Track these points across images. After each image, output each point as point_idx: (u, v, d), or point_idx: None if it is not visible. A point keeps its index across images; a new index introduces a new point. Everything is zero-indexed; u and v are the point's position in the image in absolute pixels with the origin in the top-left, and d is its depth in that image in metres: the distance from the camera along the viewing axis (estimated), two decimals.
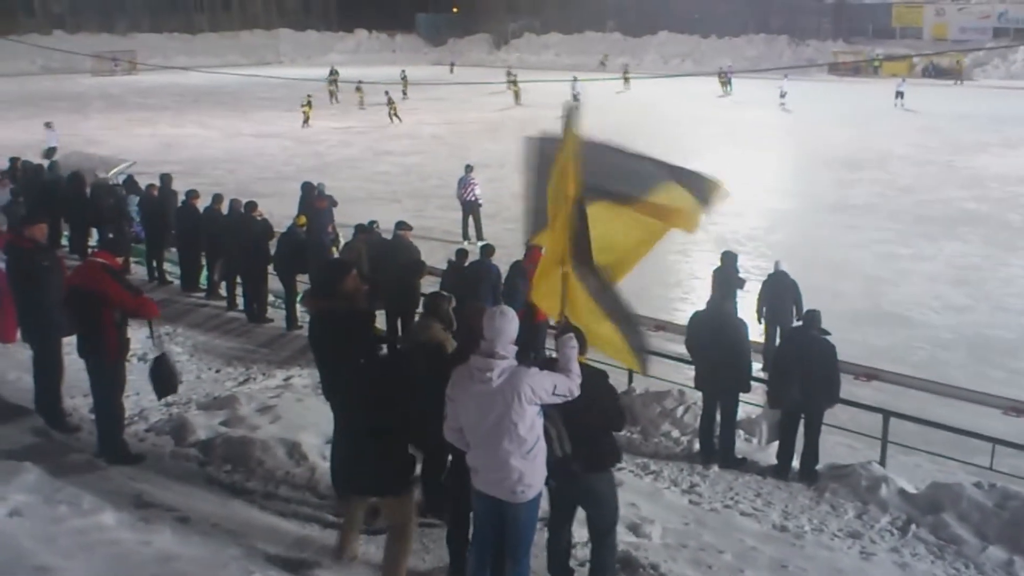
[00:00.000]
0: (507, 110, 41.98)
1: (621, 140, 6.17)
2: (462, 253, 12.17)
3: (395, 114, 38.66)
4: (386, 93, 39.56)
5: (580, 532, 6.20)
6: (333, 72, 47.68)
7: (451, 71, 64.41)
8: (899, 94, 42.58)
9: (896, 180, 26.24)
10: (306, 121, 37.46)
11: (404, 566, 5.89)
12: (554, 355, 5.52)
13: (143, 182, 17.07)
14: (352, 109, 43.06)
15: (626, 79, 49.51)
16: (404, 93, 45.65)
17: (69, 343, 7.92)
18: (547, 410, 5.24)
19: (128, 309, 7.43)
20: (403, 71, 50.30)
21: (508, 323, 5.13)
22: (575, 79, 41.87)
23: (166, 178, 16.45)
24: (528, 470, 5.13)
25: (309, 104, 37.95)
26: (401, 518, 5.89)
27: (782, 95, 43.12)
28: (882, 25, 66.99)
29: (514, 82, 45.66)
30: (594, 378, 5.50)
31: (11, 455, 7.16)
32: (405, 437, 5.86)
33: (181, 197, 15.20)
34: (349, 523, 6.21)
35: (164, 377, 7.79)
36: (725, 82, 49.00)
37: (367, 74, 48.87)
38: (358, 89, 43.21)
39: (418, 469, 7.23)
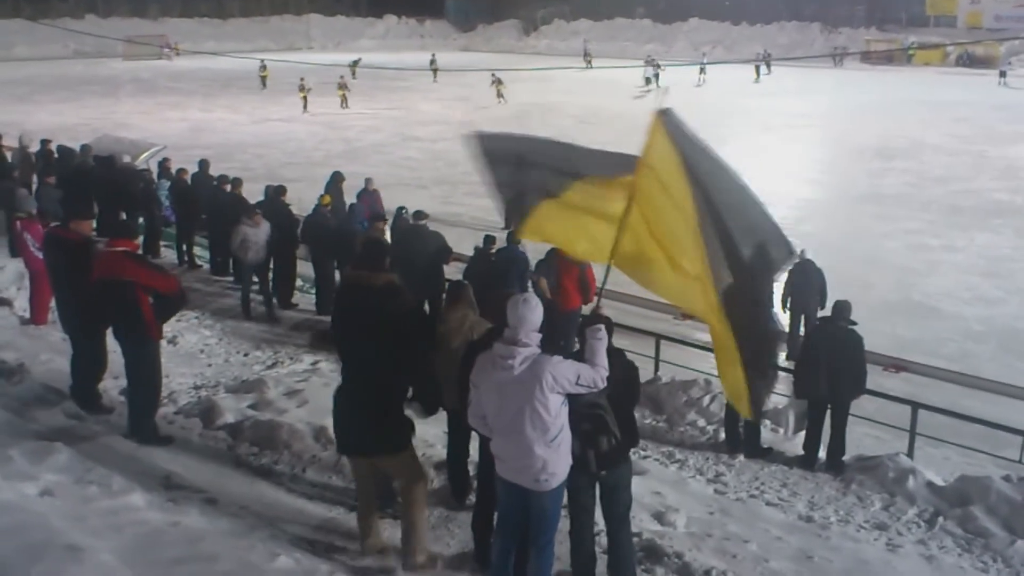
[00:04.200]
0: (536, 98, 41.81)
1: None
2: (489, 239, 12.09)
3: (345, 101, 38.44)
4: (340, 77, 40.12)
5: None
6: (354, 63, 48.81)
7: (589, 63, 54.41)
8: (1003, 73, 46.49)
9: (929, 170, 25.94)
10: (305, 107, 37.82)
11: (422, 525, 5.95)
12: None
13: (172, 166, 17.15)
14: (378, 93, 43.39)
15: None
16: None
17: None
18: (598, 399, 5.25)
19: (156, 286, 7.54)
20: (433, 55, 51.06)
21: (531, 311, 5.11)
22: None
23: (204, 163, 16.59)
24: (552, 458, 5.12)
25: (302, 88, 38.37)
26: (405, 475, 5.93)
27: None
28: (916, 13, 66.04)
29: (655, 64, 46.43)
30: (617, 359, 5.47)
31: (43, 435, 7.25)
32: (401, 396, 5.87)
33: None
34: (365, 510, 6.17)
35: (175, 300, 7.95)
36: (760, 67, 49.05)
37: (396, 60, 49.16)
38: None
39: (444, 454, 7.29)
